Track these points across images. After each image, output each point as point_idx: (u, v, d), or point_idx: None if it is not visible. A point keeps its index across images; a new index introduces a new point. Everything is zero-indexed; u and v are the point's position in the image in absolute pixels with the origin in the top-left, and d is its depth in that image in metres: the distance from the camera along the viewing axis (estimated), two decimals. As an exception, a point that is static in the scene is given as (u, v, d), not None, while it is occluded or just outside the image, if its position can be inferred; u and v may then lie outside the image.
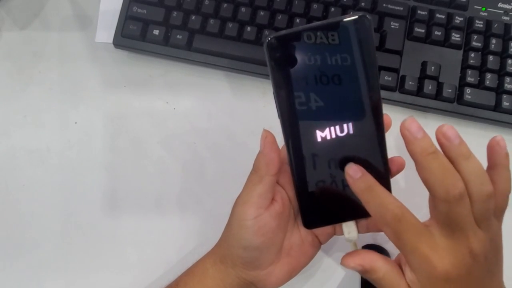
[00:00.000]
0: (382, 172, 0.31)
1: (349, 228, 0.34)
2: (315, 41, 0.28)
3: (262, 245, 0.32)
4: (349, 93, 0.29)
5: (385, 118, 0.31)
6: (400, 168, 0.33)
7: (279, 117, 0.30)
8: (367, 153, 0.31)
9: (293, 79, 0.29)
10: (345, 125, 0.30)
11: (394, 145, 0.33)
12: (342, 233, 0.35)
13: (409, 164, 0.36)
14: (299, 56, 0.29)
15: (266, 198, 0.32)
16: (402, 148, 0.33)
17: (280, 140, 0.32)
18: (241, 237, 0.32)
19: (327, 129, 0.30)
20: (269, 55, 0.28)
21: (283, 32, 0.28)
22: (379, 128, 0.30)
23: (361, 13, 0.28)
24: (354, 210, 0.33)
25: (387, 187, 0.32)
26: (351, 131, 0.30)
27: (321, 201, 0.33)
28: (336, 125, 0.30)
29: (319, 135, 0.30)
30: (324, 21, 0.28)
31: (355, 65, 0.28)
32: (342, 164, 0.31)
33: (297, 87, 0.29)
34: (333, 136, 0.30)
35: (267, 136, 0.31)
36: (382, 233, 0.32)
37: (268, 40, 0.28)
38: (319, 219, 0.33)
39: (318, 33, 0.28)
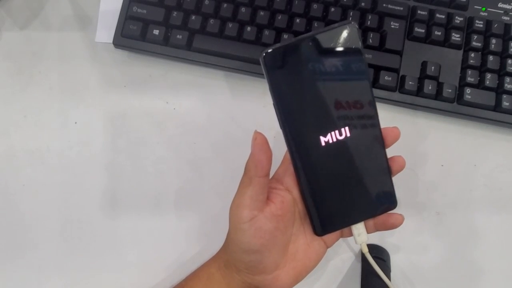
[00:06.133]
0: (383, 171, 0.32)
1: (359, 230, 0.34)
2: (308, 51, 0.30)
3: (262, 248, 0.32)
4: (345, 97, 0.31)
5: (393, 130, 0.32)
6: (401, 166, 0.33)
7: (281, 128, 0.31)
8: (368, 154, 0.32)
9: (291, 89, 0.30)
10: (344, 129, 0.31)
11: (393, 146, 0.33)
12: (348, 235, 0.35)
13: (409, 164, 0.36)
14: (295, 67, 0.30)
15: (258, 200, 0.32)
16: (401, 149, 0.33)
17: (278, 141, 0.32)
18: (239, 241, 0.32)
19: (329, 134, 0.31)
20: (266, 68, 0.29)
21: (277, 45, 0.29)
22: (376, 128, 0.31)
23: (348, 22, 0.30)
24: (361, 211, 0.33)
25: (389, 185, 0.33)
26: (350, 135, 0.31)
27: (329, 207, 0.33)
28: (336, 130, 0.31)
29: (322, 141, 0.31)
30: (315, 31, 0.30)
31: (348, 71, 0.30)
32: (345, 167, 0.32)
33: (296, 96, 0.30)
34: (335, 141, 0.31)
35: (256, 137, 0.31)
36: (389, 231, 0.32)
37: (264, 54, 0.29)
38: (329, 225, 0.33)
39: (311, 43, 0.30)
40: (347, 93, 0.30)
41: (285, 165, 0.36)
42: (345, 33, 0.30)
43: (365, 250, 0.35)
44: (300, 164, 0.32)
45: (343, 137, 0.31)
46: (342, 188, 0.32)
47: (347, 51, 0.30)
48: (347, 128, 0.31)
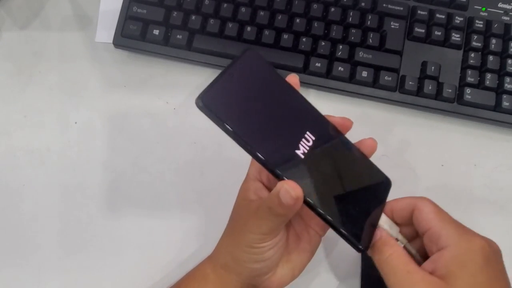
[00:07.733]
0: (362, 160, 0.33)
1: (387, 223, 0.32)
2: (234, 84, 0.30)
3: (274, 256, 0.33)
4: (288, 111, 0.32)
5: (342, 120, 0.33)
6: (372, 149, 0.33)
7: (261, 165, 0.30)
8: (340, 153, 0.32)
9: (242, 122, 0.30)
10: (310, 137, 0.31)
11: (393, 146, 0.33)
12: None
13: (409, 164, 0.36)
14: (234, 101, 0.30)
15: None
16: (401, 149, 0.33)
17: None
18: (253, 253, 0.32)
19: (302, 148, 0.31)
20: (206, 112, 0.29)
21: (205, 89, 0.29)
22: (329, 125, 0.32)
23: (246, 50, 0.31)
24: (374, 206, 0.32)
25: (375, 169, 0.33)
26: (318, 144, 0.31)
27: (351, 221, 0.31)
28: (303, 140, 0.31)
29: (300, 155, 0.30)
30: (227, 67, 0.30)
31: (274, 89, 0.32)
32: (335, 177, 0.32)
33: (251, 126, 0.30)
34: (311, 154, 0.31)
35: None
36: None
37: (197, 103, 0.29)
38: (364, 235, 0.31)
39: (230, 74, 0.30)
40: (287, 106, 0.31)
41: (254, 162, 0.35)
42: (248, 60, 0.31)
43: (404, 242, 0.32)
44: (314, 196, 0.30)
45: (314, 147, 0.31)
46: (346, 197, 0.31)
47: (264, 74, 0.32)
48: (311, 135, 0.31)
